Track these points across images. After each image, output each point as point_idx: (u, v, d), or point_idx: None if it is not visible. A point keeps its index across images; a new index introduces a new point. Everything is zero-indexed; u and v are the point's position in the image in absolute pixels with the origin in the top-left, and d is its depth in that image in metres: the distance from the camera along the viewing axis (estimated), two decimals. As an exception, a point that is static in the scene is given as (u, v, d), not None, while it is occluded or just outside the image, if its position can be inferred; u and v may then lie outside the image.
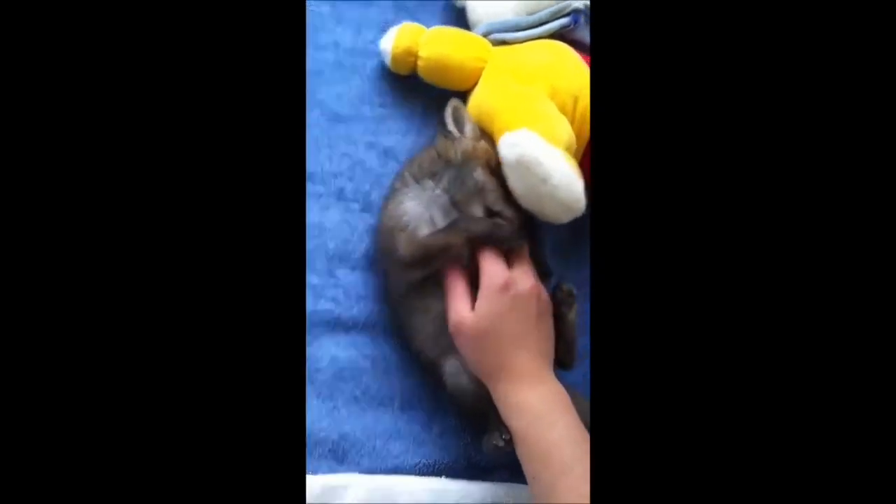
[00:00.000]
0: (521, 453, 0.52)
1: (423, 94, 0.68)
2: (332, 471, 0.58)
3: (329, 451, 0.59)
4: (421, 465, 0.60)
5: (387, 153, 0.66)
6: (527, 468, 0.52)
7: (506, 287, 0.54)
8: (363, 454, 0.59)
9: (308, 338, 0.60)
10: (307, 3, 0.67)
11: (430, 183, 0.58)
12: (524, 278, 0.55)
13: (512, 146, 0.55)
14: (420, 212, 0.57)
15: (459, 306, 0.55)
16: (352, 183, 0.64)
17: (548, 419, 0.51)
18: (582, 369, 0.61)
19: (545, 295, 0.57)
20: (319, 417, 0.59)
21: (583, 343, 0.61)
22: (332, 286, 0.62)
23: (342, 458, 0.59)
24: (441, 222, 0.56)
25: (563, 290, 0.61)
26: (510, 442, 0.54)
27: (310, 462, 0.58)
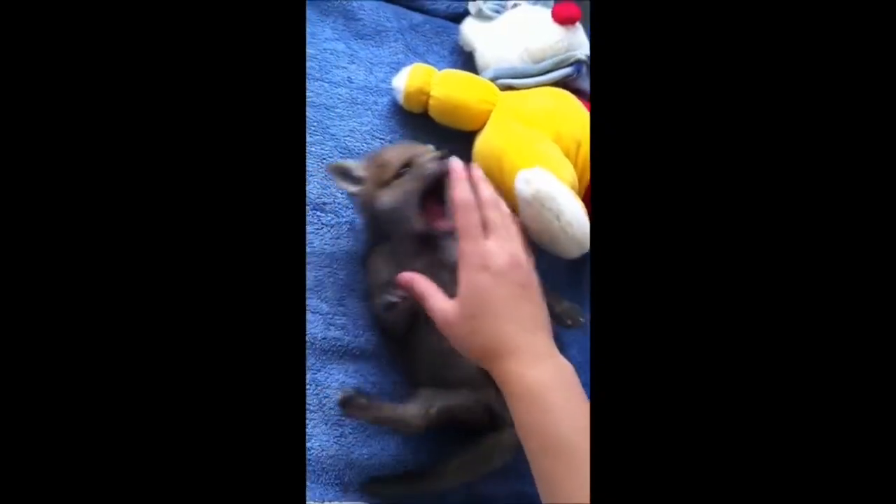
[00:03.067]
0: (522, 440, 0.48)
1: (432, 132, 0.70)
2: (338, 498, 0.58)
3: (335, 478, 0.59)
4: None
5: (397, 187, 0.68)
6: (528, 457, 0.48)
7: (483, 265, 0.50)
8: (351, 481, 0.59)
9: (317, 365, 0.61)
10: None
11: None
12: (501, 250, 0.51)
13: (527, 182, 0.58)
14: None
15: (437, 301, 0.52)
16: (363, 215, 0.66)
17: (547, 401, 0.47)
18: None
19: (526, 261, 0.53)
20: (327, 444, 0.59)
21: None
22: (342, 315, 0.63)
23: (348, 485, 0.59)
24: None
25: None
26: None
27: (317, 489, 0.58)
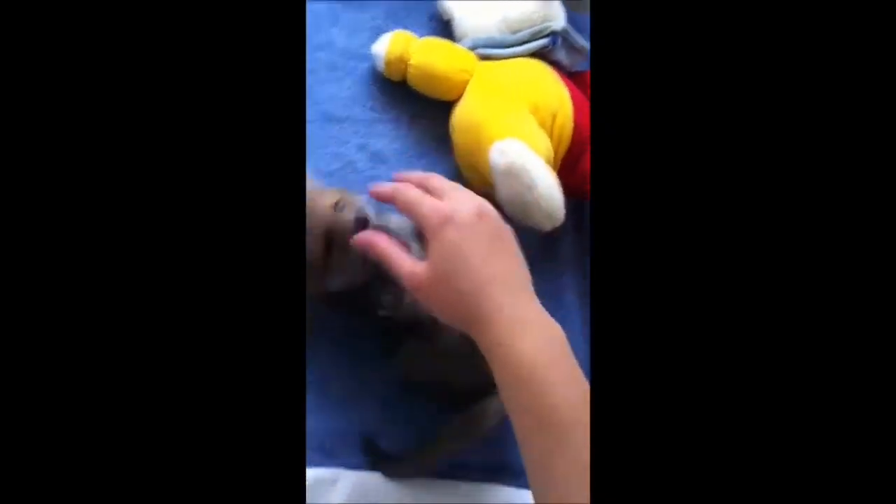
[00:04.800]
0: (511, 416, 0.45)
1: (411, 102, 0.70)
2: (320, 464, 0.60)
3: (318, 444, 0.60)
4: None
5: (376, 156, 0.68)
6: (518, 434, 0.44)
7: (447, 218, 0.46)
8: (351, 450, 0.61)
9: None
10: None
11: None
12: (462, 203, 0.48)
13: (502, 153, 0.59)
14: None
15: (404, 264, 0.48)
16: (343, 184, 0.65)
17: (538, 375, 0.43)
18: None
19: (493, 211, 0.49)
20: (309, 412, 0.60)
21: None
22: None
23: (330, 452, 0.60)
24: None
25: None
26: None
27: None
